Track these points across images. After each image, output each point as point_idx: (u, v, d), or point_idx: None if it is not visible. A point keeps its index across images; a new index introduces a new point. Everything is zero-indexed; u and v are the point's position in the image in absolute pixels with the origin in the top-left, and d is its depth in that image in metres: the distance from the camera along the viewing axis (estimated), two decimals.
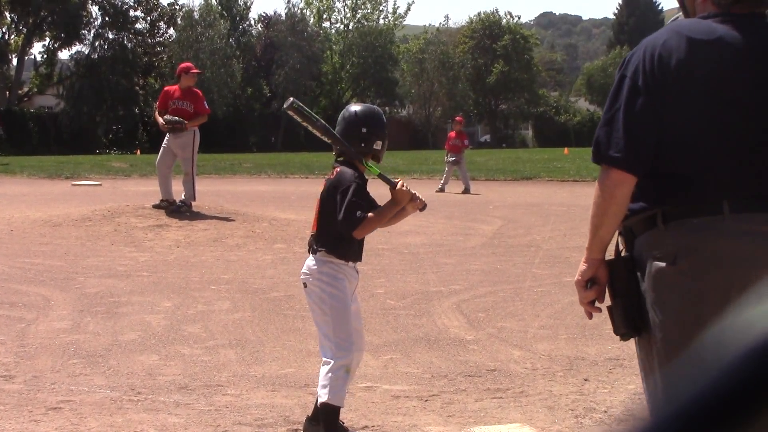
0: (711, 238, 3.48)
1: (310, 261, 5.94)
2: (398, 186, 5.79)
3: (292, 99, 6.15)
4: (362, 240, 6.00)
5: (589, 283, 3.76)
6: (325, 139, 6.00)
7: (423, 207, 5.91)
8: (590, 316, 3.88)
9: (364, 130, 5.93)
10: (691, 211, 3.53)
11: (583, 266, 3.77)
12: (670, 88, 3.53)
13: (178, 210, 16.99)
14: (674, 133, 3.55)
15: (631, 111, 3.57)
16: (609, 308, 3.75)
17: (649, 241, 3.61)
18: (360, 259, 6.07)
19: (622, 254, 3.77)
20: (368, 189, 5.92)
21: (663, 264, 3.54)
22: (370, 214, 5.70)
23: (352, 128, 5.96)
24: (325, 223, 5.91)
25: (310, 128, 6.06)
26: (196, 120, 16.94)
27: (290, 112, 6.06)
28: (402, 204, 5.79)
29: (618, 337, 3.81)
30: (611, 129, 3.62)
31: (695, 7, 3.78)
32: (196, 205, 17.60)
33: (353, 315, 5.92)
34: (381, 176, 5.93)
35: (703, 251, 3.49)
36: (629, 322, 3.68)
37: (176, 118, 16.79)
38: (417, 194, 5.85)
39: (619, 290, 3.71)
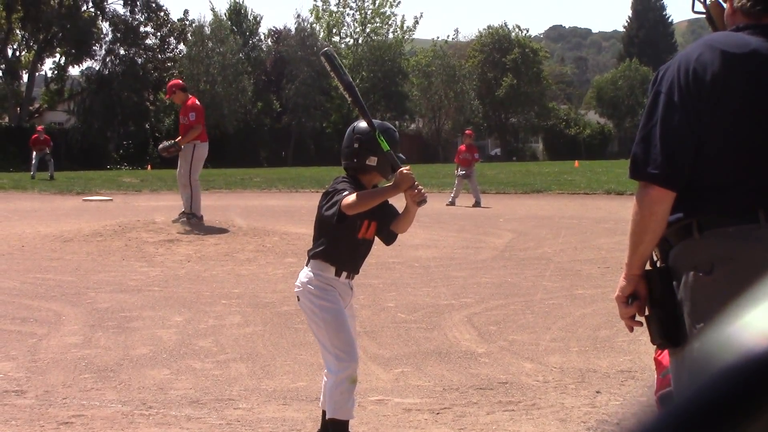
0: (748, 247, 3.48)
1: (302, 273, 5.93)
2: (402, 168, 5.58)
3: (328, 47, 6.17)
4: (357, 250, 5.95)
5: (630, 299, 3.75)
6: (346, 95, 5.95)
7: (422, 200, 5.58)
8: (631, 330, 3.88)
9: (356, 145, 5.88)
10: (727, 220, 3.52)
11: (623, 282, 3.76)
12: (706, 103, 3.52)
13: (188, 223, 17.18)
14: (710, 146, 3.54)
15: (668, 127, 3.56)
16: (646, 318, 3.75)
17: (685, 251, 3.61)
18: (355, 272, 5.99)
19: (658, 265, 3.76)
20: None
21: (700, 273, 3.53)
22: (361, 191, 5.58)
23: (347, 142, 5.94)
24: (318, 228, 5.89)
25: (335, 80, 5.99)
26: (186, 135, 17.24)
27: (323, 59, 6.03)
28: (401, 188, 5.51)
29: (645, 346, 3.81)
30: (648, 145, 3.60)
31: (726, 19, 3.78)
32: (206, 220, 17.65)
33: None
34: (389, 154, 5.72)
35: (739, 260, 3.47)
36: (666, 332, 3.67)
37: (166, 144, 17.75)
38: (419, 185, 5.59)
39: (656, 301, 3.70)
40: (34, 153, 41.02)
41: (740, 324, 1.06)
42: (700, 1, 3.99)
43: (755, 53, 3.54)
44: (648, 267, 3.77)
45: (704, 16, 4.05)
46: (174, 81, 19.33)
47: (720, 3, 3.82)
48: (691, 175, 3.58)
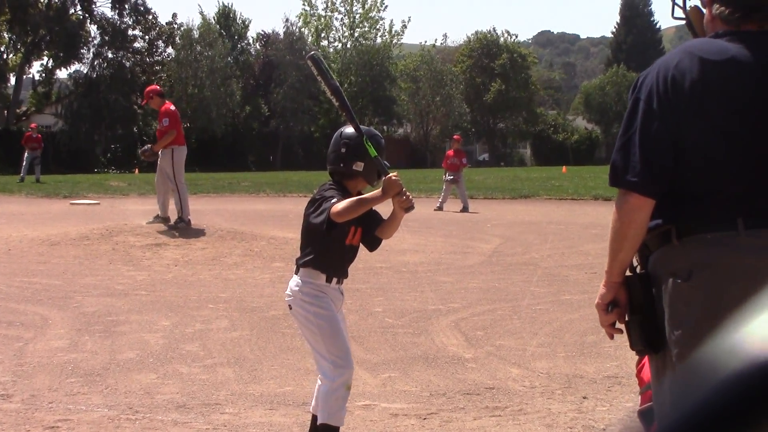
0: (726, 253, 3.48)
1: (292, 282, 5.89)
2: (390, 174, 5.55)
3: (314, 51, 6.17)
4: (344, 256, 5.94)
5: (610, 306, 3.76)
6: (333, 100, 5.95)
7: (410, 207, 5.56)
8: (611, 337, 3.88)
9: (343, 150, 5.87)
10: (706, 227, 3.53)
11: (602, 290, 3.77)
12: (685, 110, 3.53)
13: (175, 226, 17.24)
14: (689, 154, 3.55)
15: (647, 135, 3.57)
16: (626, 324, 3.76)
17: (664, 257, 3.62)
18: (344, 276, 5.98)
19: (638, 271, 3.77)
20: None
21: (678, 280, 3.54)
22: (349, 198, 5.57)
23: (334, 147, 5.94)
24: (306, 236, 5.88)
25: (322, 84, 5.98)
26: (161, 141, 17.37)
27: (309, 62, 6.02)
28: (389, 195, 5.49)
29: (632, 352, 3.82)
30: (627, 153, 3.61)
31: (705, 26, 3.79)
32: (193, 224, 17.66)
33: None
34: (376, 160, 5.71)
35: (717, 266, 3.48)
36: (645, 338, 3.68)
37: (143, 148, 18.19)
38: (407, 191, 5.57)
39: (636, 307, 3.71)
40: (26, 153, 40.67)
41: (744, 331, 1.06)
42: (680, 7, 4.00)
43: (733, 60, 3.55)
44: (628, 273, 3.78)
45: (684, 22, 4.06)
46: (151, 87, 19.39)
47: (700, 9, 3.84)
48: (670, 182, 3.59)
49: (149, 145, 18.00)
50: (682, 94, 3.53)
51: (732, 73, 3.54)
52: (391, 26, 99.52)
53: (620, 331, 3.82)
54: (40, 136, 42.10)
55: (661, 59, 3.71)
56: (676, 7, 4.02)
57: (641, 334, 3.69)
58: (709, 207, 3.55)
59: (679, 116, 3.54)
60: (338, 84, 6.04)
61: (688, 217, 3.57)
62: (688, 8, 3.97)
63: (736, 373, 1.03)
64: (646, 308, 3.67)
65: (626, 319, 3.76)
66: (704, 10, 3.80)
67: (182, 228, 17.23)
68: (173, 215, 17.71)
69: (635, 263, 3.79)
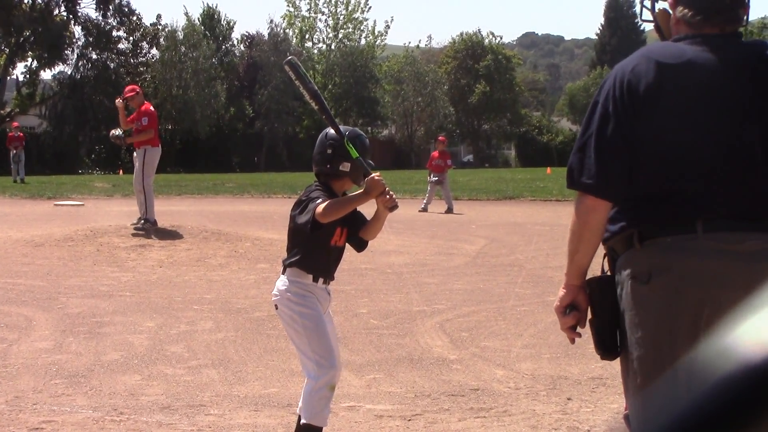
0: (684, 257, 3.50)
1: (279, 282, 5.90)
2: (372, 174, 5.59)
3: (291, 56, 6.16)
4: (330, 256, 5.94)
5: (568, 309, 3.77)
6: (312, 104, 5.95)
7: (393, 206, 5.61)
8: (572, 341, 3.89)
9: (329, 151, 5.88)
10: (665, 230, 3.55)
11: (561, 292, 3.79)
12: (639, 113, 3.56)
13: (141, 228, 17.19)
14: (647, 156, 3.57)
15: (602, 137, 3.60)
16: (590, 327, 3.78)
17: (626, 261, 3.64)
18: (331, 278, 5.97)
19: (607, 274, 3.78)
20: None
21: (637, 283, 3.56)
22: (334, 199, 5.59)
23: (320, 148, 5.95)
24: (292, 237, 5.89)
25: (301, 88, 5.99)
26: (136, 136, 17.39)
27: (287, 68, 6.02)
28: (372, 195, 5.53)
29: (599, 357, 3.83)
30: (583, 155, 3.65)
31: (672, 28, 3.81)
32: (178, 225, 17.67)
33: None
34: (359, 161, 5.74)
35: (676, 270, 3.50)
36: (603, 342, 3.70)
37: (115, 133, 18.44)
38: (390, 191, 5.61)
39: (594, 311, 3.73)
40: (11, 154, 40.52)
41: (738, 333, 1.06)
42: (649, 10, 4.02)
43: (690, 63, 3.57)
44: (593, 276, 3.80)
45: (652, 24, 4.09)
46: (132, 85, 19.40)
47: (668, 11, 3.86)
48: (629, 185, 3.61)
49: (121, 133, 17.98)
50: (636, 97, 3.56)
51: (688, 75, 3.57)
52: (374, 27, 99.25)
53: (579, 335, 3.84)
54: (22, 135, 41.92)
55: (620, 63, 3.74)
56: (644, 9, 4.04)
57: (597, 338, 3.71)
58: (669, 210, 3.57)
59: (634, 119, 3.57)
60: (317, 88, 6.05)
61: (649, 220, 3.60)
62: (656, 11, 3.99)
63: (727, 376, 1.04)
64: (604, 312, 3.69)
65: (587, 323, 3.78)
66: (671, 12, 3.83)
67: (147, 229, 17.21)
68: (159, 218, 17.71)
69: (605, 268, 3.81)
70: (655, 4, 3.99)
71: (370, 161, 5.78)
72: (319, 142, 5.99)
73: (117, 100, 18.01)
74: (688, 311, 3.45)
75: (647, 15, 4.07)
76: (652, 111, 3.55)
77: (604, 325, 3.68)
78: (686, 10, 3.69)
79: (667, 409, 1.08)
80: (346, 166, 5.84)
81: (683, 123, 3.56)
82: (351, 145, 5.75)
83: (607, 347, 3.71)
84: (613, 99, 3.60)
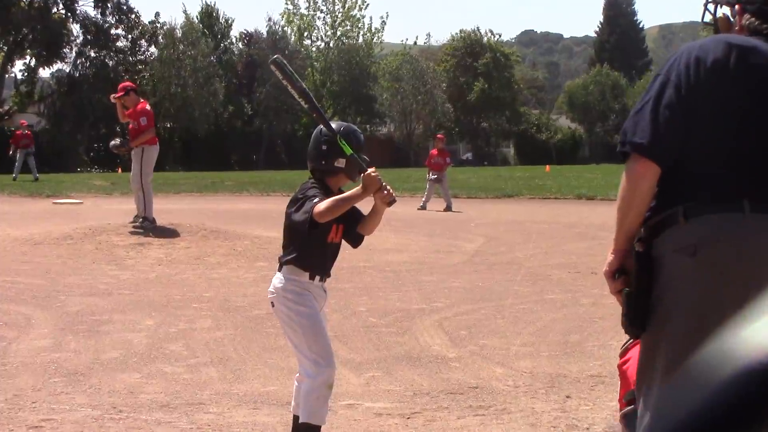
0: (732, 232, 3.55)
1: (276, 279, 5.89)
2: (368, 171, 5.58)
3: (277, 56, 6.14)
4: (327, 253, 5.93)
5: (617, 274, 3.78)
6: (302, 102, 5.93)
7: (391, 201, 5.60)
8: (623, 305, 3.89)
9: (324, 147, 5.86)
10: (712, 208, 3.58)
11: (610, 257, 3.79)
12: (703, 85, 3.61)
13: (141, 226, 17.17)
14: (700, 133, 3.62)
15: (660, 102, 3.64)
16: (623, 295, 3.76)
17: (670, 236, 3.65)
18: (327, 275, 5.96)
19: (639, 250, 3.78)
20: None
21: (683, 256, 3.58)
22: (331, 198, 5.56)
23: (314, 144, 5.93)
24: (288, 235, 5.88)
25: (289, 88, 5.95)
26: (137, 139, 17.36)
27: (273, 67, 6.00)
28: (369, 191, 5.52)
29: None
30: (639, 118, 3.68)
31: (731, 32, 3.89)
32: (176, 224, 17.66)
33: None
34: (353, 157, 5.71)
35: (724, 244, 3.54)
36: (635, 315, 3.69)
37: (116, 142, 18.28)
38: (387, 185, 5.59)
39: (631, 282, 3.72)
40: (18, 152, 40.32)
41: (741, 336, 1.06)
42: (711, 14, 4.08)
43: (756, 48, 3.66)
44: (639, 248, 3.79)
45: (712, 27, 4.15)
46: (127, 83, 19.37)
47: (728, 18, 3.94)
48: (679, 159, 3.63)
49: (121, 140, 17.98)
50: (702, 69, 3.61)
51: (753, 57, 3.64)
52: (370, 24, 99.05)
53: None
54: (30, 133, 41.74)
55: (687, 44, 3.81)
56: (707, 12, 4.10)
57: (628, 310, 3.71)
58: (717, 188, 3.61)
59: (697, 90, 3.61)
60: (305, 86, 6.04)
61: (696, 198, 3.62)
62: (718, 16, 4.06)
63: (731, 378, 1.04)
64: (641, 283, 3.69)
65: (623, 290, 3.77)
66: (733, 20, 3.93)
67: (147, 227, 17.19)
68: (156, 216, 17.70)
69: (638, 247, 3.80)
70: (717, 8, 4.05)
71: (365, 157, 5.76)
72: (313, 138, 5.97)
73: (112, 97, 17.93)
74: (735, 287, 3.47)
75: (708, 18, 4.12)
76: (715, 84, 3.61)
77: (639, 297, 3.68)
78: (753, 19, 3.80)
79: (687, 400, 1.08)
80: (341, 163, 5.81)
81: (744, 101, 3.63)
82: (345, 142, 5.73)
83: (636, 320, 3.70)
84: (677, 70, 3.66)
